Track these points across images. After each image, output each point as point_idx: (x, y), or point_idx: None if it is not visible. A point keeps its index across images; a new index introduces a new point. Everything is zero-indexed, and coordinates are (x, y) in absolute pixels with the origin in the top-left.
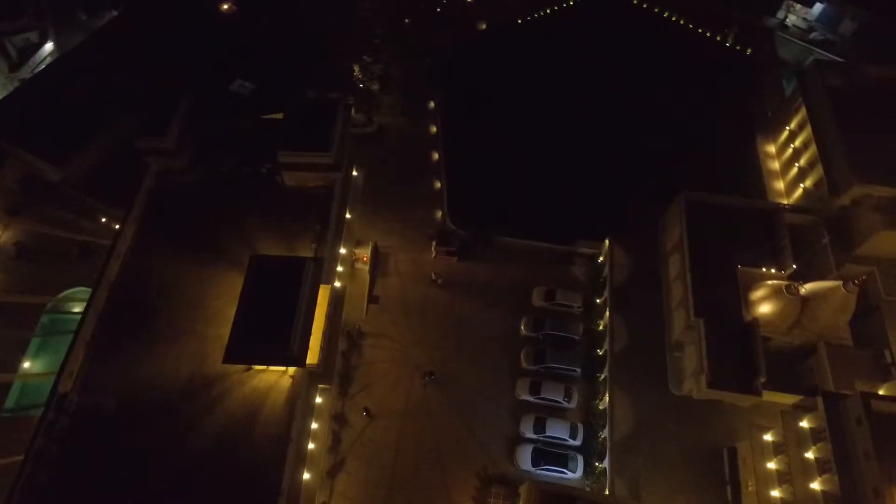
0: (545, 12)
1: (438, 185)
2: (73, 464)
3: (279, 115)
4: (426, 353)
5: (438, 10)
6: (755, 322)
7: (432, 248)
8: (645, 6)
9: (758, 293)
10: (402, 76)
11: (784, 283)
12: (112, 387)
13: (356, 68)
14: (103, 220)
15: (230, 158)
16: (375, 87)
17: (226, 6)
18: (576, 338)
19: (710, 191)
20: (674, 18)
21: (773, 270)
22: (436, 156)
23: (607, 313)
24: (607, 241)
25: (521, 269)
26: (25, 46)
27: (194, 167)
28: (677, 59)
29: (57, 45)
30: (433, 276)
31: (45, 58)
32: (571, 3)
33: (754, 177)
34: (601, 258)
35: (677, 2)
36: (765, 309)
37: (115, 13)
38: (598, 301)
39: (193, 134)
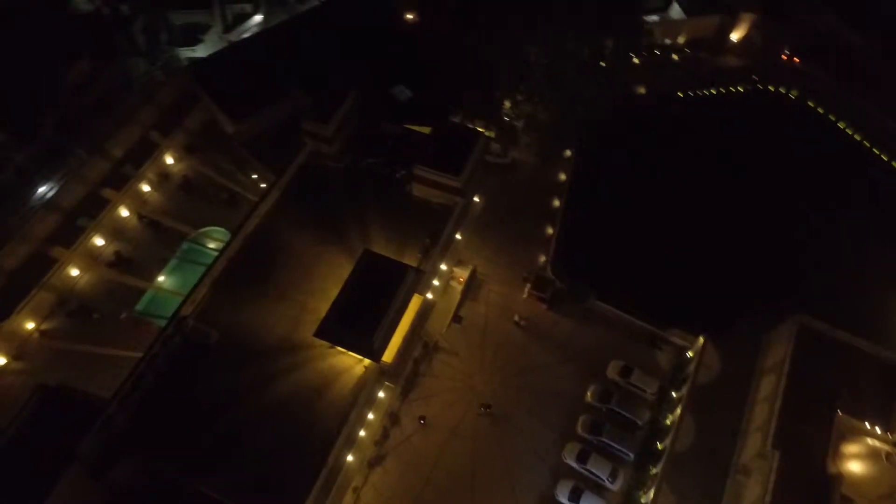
0: (710, 92)
1: (550, 231)
2: (173, 375)
3: (425, 129)
4: (489, 386)
5: (603, 64)
6: (839, 478)
7: (526, 290)
8: (820, 110)
9: (852, 448)
10: (548, 120)
11: (888, 448)
12: (220, 323)
13: (507, 103)
14: (254, 177)
15: (373, 156)
16: (520, 124)
17: (410, 15)
18: (639, 423)
19: (835, 322)
20: (857, 137)
21: (877, 429)
22: (556, 203)
23: (679, 410)
24: (702, 339)
25: (605, 337)
26: (240, 14)
27: (341, 156)
28: (849, 179)
29: (265, 18)
30: (517, 317)
31: (252, 27)
32: (741, 89)
33: (891, 324)
34: (691, 353)
35: (870, 124)
36: (855, 468)
37: (317, 2)
38: (673, 394)
39: (349, 127)
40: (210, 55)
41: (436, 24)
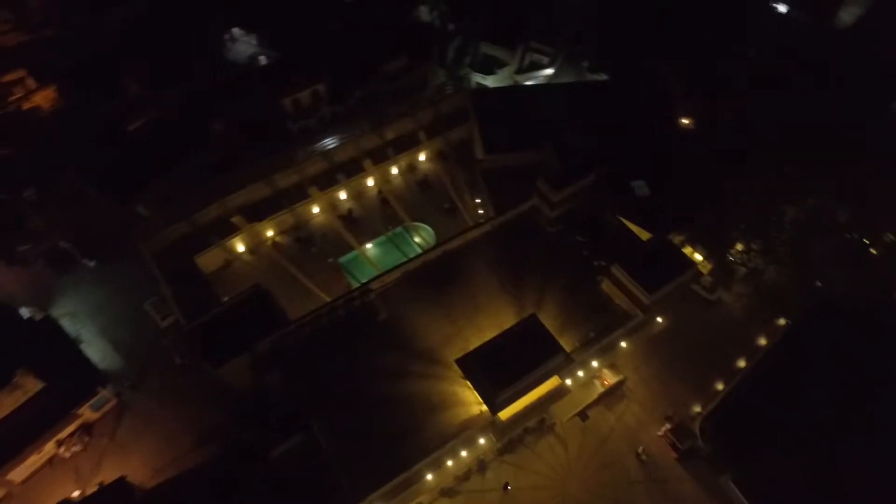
0: None
1: (720, 387)
2: (340, 329)
3: (644, 233)
4: (580, 494)
5: (873, 252)
6: None
7: (663, 429)
8: None
9: None
10: (773, 281)
11: None
12: (392, 308)
13: (740, 245)
14: (478, 201)
15: (583, 236)
16: (742, 269)
17: (686, 121)
18: None
19: None
20: None
21: None
22: (742, 363)
23: None
24: None
25: None
26: (535, 62)
27: (556, 222)
28: None
29: (554, 74)
30: (642, 449)
31: (540, 77)
32: None
33: None
34: None
35: None
36: None
37: (605, 77)
38: None
39: (576, 201)
40: (495, 88)
41: (706, 139)
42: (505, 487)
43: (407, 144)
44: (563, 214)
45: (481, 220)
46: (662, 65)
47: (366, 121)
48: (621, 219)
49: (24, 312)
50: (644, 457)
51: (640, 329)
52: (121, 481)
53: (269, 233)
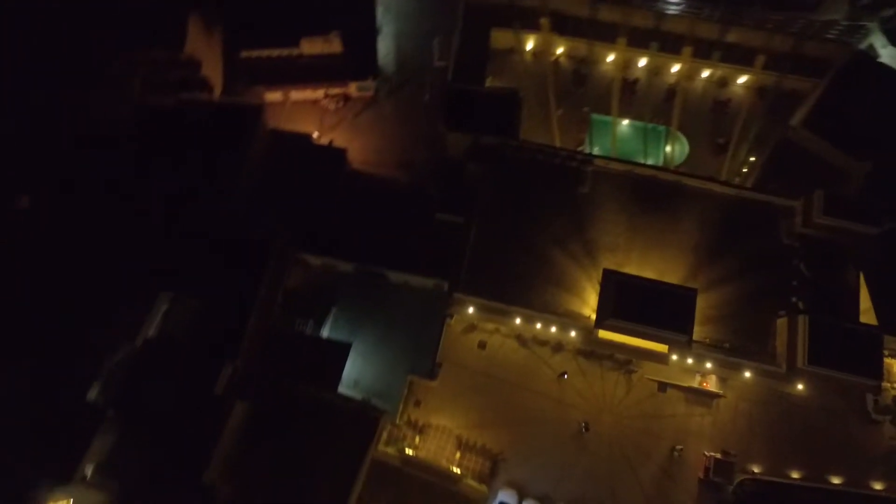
0: None
1: (795, 476)
2: (579, 200)
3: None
4: (606, 429)
5: None
6: None
7: (711, 454)
8: None
9: None
10: None
11: None
12: (596, 188)
13: None
14: (752, 160)
15: (809, 272)
16: None
17: None
18: None
19: None
20: None
21: None
22: (837, 481)
23: None
24: None
25: None
26: None
27: (797, 237)
28: None
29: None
30: (680, 448)
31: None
32: None
33: None
34: None
35: None
36: None
37: None
38: None
39: (833, 236)
40: (882, 63)
41: None
42: (562, 375)
43: (739, 58)
44: (809, 236)
45: (735, 181)
46: None
47: (723, 9)
48: (863, 281)
49: None
50: (676, 454)
51: (773, 379)
52: (343, 151)
53: (560, 49)
